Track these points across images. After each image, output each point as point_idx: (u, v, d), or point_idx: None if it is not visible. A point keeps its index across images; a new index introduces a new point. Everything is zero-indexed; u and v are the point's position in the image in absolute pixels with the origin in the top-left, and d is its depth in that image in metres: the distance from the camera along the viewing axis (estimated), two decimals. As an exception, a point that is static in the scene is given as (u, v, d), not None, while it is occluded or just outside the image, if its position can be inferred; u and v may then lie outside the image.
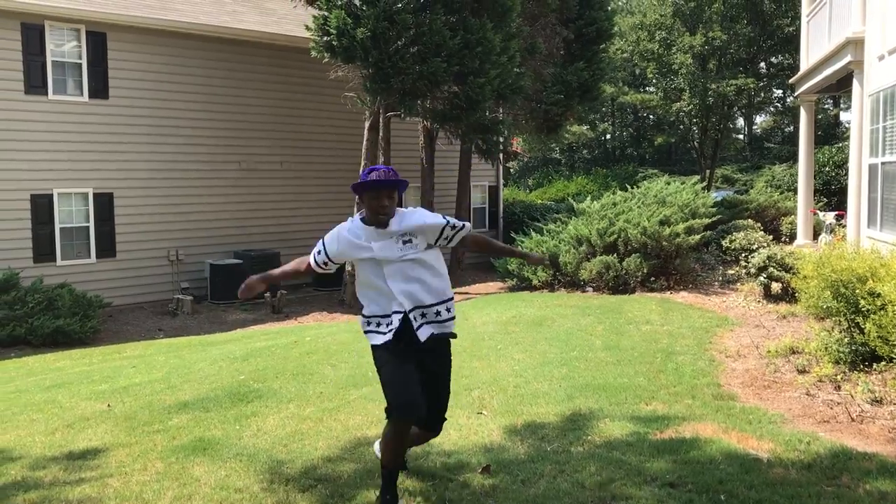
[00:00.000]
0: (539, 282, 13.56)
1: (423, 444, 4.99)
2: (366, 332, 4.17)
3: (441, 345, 4.15)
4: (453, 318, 4.16)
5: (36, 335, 12.10)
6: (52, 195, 14.07)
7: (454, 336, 4.20)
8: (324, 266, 4.26)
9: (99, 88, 14.55)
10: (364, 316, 4.18)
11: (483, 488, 4.35)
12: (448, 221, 4.15)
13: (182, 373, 8.15)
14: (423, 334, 4.02)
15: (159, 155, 15.39)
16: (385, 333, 4.05)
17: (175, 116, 15.53)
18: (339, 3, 14.10)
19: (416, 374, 3.99)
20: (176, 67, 15.50)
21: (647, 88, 47.13)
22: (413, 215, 4.14)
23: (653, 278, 12.41)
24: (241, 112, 16.49)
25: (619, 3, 46.64)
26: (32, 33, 13.67)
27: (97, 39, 14.44)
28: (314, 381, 7.19)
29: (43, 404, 7.01)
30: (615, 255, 12.59)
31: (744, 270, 11.59)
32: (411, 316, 4.02)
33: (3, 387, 8.55)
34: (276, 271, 4.48)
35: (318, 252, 4.24)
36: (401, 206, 4.17)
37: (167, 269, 15.61)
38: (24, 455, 5.38)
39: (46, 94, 13.93)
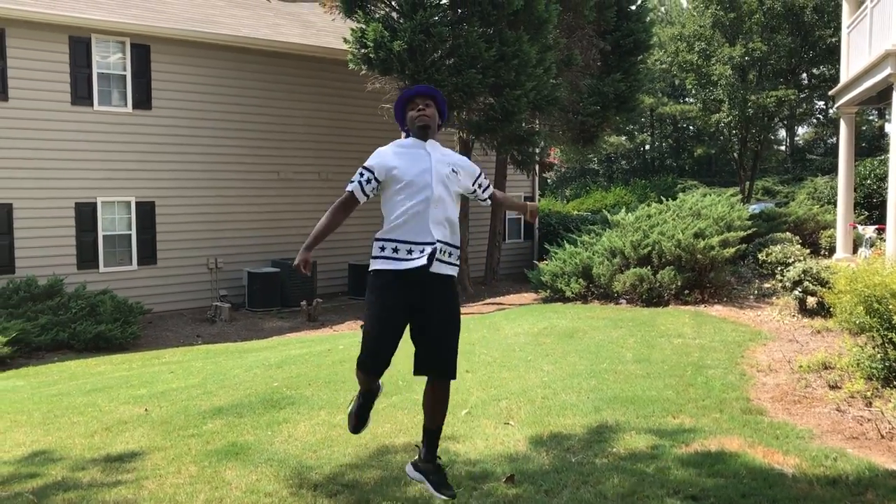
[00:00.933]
0: (572, 293, 13.56)
1: (450, 454, 5.08)
2: (375, 257, 3.95)
3: (445, 285, 3.97)
4: (457, 264, 4.05)
5: (78, 340, 12.41)
6: (95, 203, 14.44)
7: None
8: (367, 186, 3.96)
9: (142, 99, 14.92)
10: (381, 239, 3.95)
11: (506, 498, 4.41)
12: (481, 172, 4.26)
13: (218, 379, 8.33)
14: (436, 269, 3.88)
15: (200, 164, 15.71)
16: (401, 261, 3.87)
17: (216, 127, 15.85)
18: (377, 16, 14.33)
19: (401, 330, 3.91)
20: (217, 79, 15.83)
21: (686, 99, 46.87)
22: (453, 154, 4.18)
23: (687, 291, 12.36)
24: (279, 123, 16.76)
25: (659, 14, 46.44)
26: (79, 46, 14.08)
27: (141, 52, 14.82)
28: (346, 388, 7.30)
29: (83, 407, 7.22)
30: (649, 267, 12.55)
31: (779, 284, 11.49)
32: (439, 247, 3.88)
33: (46, 389, 8.81)
34: (317, 230, 4.03)
35: (360, 174, 3.99)
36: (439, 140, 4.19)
37: (206, 276, 15.91)
38: (64, 456, 5.56)
39: (92, 104, 14.32)
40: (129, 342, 12.86)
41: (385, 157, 4.00)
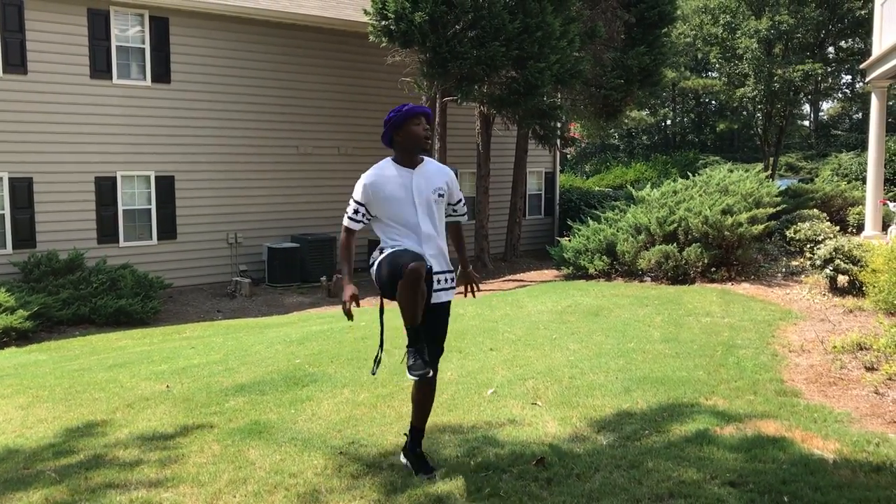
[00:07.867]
0: (595, 270, 13.38)
1: (477, 434, 4.96)
2: (385, 248, 4.13)
3: (444, 306, 4.27)
4: (453, 288, 4.25)
5: (99, 314, 12.40)
6: (115, 178, 14.37)
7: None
8: (357, 216, 4.18)
9: (161, 73, 14.79)
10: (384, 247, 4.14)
11: (537, 481, 4.28)
12: (461, 198, 4.35)
13: (239, 355, 8.25)
14: (437, 299, 4.14)
15: (220, 139, 15.60)
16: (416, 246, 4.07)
17: (235, 101, 15.72)
18: (398, -13, 14.06)
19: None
20: (236, 52, 15.67)
21: (709, 73, 46.19)
22: (443, 169, 4.27)
23: (713, 269, 12.14)
24: (299, 97, 16.60)
25: (682, -14, 45.55)
26: (98, 19, 13.94)
27: (160, 24, 14.67)
28: (368, 366, 7.18)
29: (105, 383, 7.15)
30: (675, 244, 12.34)
31: (809, 262, 11.25)
32: (435, 279, 4.10)
33: (67, 364, 8.77)
34: (345, 265, 4.37)
35: (349, 209, 4.19)
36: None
37: (226, 251, 15.85)
38: (86, 434, 5.49)
39: (111, 78, 14.21)
40: (150, 317, 12.84)
41: (371, 190, 4.11)
